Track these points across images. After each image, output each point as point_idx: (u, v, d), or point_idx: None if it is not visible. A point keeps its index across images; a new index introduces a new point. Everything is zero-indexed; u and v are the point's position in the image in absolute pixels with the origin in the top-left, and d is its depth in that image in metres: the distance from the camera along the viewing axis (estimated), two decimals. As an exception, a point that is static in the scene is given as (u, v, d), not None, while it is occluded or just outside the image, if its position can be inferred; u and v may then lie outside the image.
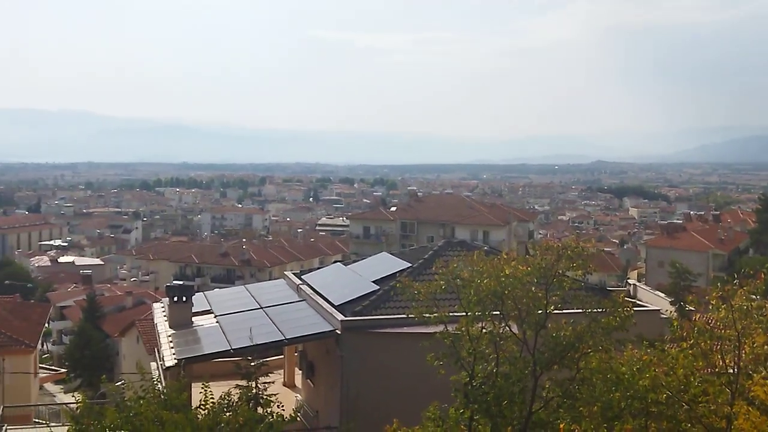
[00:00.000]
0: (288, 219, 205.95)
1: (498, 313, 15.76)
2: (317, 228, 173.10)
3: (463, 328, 15.69)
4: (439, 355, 15.98)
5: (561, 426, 14.23)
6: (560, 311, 15.82)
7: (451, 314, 16.21)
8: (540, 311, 15.45)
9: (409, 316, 17.12)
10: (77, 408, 15.19)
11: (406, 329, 21.38)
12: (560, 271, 16.02)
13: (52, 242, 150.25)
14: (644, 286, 32.33)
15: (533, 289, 15.57)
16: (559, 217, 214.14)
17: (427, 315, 16.23)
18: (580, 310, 15.91)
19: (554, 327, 15.30)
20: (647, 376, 14.03)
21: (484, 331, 15.69)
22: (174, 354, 23.30)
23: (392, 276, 26.46)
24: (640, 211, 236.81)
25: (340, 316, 23.57)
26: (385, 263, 29.55)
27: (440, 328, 16.14)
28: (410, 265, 27.58)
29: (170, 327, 26.76)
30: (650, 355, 14.77)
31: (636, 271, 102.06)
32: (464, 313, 15.87)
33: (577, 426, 13.95)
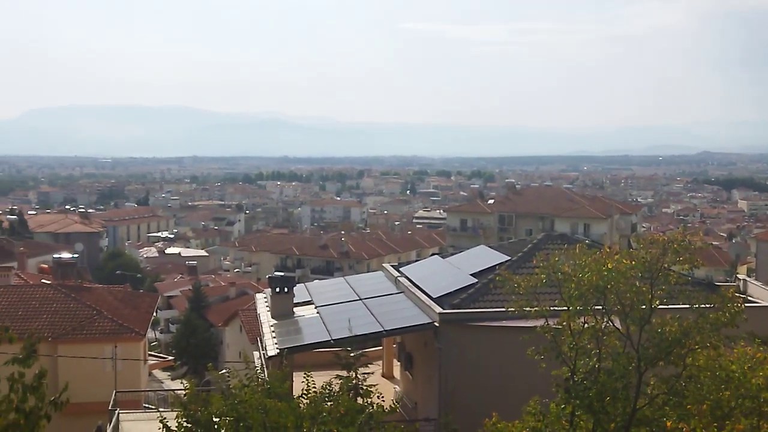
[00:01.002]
0: (385, 212, 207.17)
1: (600, 307, 15.45)
2: (414, 221, 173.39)
3: (564, 323, 15.45)
4: (539, 349, 15.79)
5: (668, 424, 13.83)
6: (666, 306, 15.39)
7: (551, 308, 15.99)
8: (644, 306, 15.05)
9: (509, 309, 16.96)
10: (185, 395, 15.70)
11: (505, 323, 21.21)
12: (666, 265, 15.56)
13: (159, 234, 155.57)
14: (755, 282, 31.02)
15: (637, 283, 15.18)
16: (664, 210, 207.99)
17: (528, 309, 16.05)
18: (687, 306, 15.43)
19: (659, 322, 14.89)
20: (760, 375, 13.48)
21: (585, 325, 15.41)
22: (276, 343, 23.81)
23: (490, 269, 26.28)
24: (750, 203, 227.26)
25: (439, 309, 23.57)
26: (483, 256, 29.37)
27: (541, 322, 15.95)
28: (509, 258, 27.33)
29: (272, 317, 27.35)
30: (763, 353, 14.17)
31: (745, 266, 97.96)
32: (565, 308, 15.62)
33: (684, 424, 13.53)
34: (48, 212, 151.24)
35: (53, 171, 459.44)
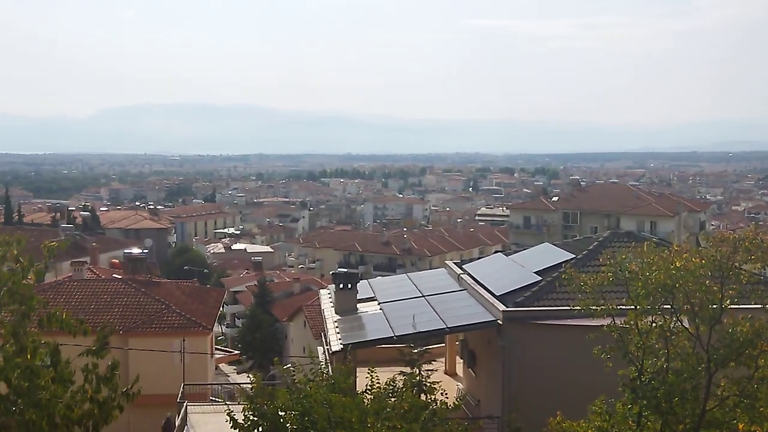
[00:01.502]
0: (448, 209, 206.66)
1: (669, 307, 15.17)
2: (477, 218, 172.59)
3: (631, 322, 15.21)
4: (606, 348, 15.58)
5: (739, 426, 13.51)
6: (737, 306, 15.02)
7: (618, 307, 15.76)
8: (714, 306, 14.73)
9: (574, 307, 16.77)
10: (252, 388, 15.95)
11: (570, 321, 20.97)
12: (736, 264, 15.18)
13: (225, 230, 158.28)
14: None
15: (707, 282, 14.85)
16: (734, 208, 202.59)
17: (594, 307, 15.85)
18: (759, 306, 15.04)
19: (730, 322, 14.54)
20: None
21: (653, 325, 15.14)
22: (340, 339, 23.99)
23: (555, 267, 25.98)
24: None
25: (502, 307, 23.41)
26: (548, 254, 29.03)
27: (607, 321, 15.73)
28: (574, 256, 26.96)
29: (336, 313, 27.57)
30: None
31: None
32: (633, 307, 15.38)
33: (757, 427, 13.19)
34: (119, 209, 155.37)
35: (124, 168, 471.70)
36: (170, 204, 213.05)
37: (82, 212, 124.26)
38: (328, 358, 24.60)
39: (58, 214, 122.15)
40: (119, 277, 47.31)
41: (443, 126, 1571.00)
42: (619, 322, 15.52)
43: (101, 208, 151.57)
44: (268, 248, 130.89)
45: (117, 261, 65.45)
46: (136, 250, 54.72)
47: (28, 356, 10.77)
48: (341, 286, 28.10)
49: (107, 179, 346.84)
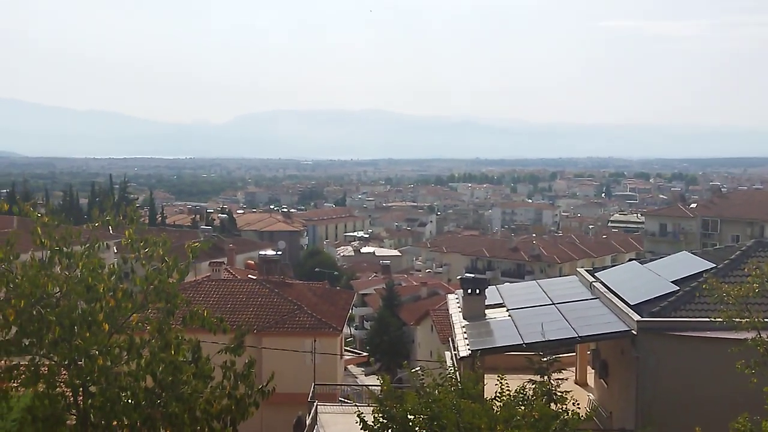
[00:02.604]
0: (579, 215, 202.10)
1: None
2: (609, 224, 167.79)
3: (778, 336, 14.40)
4: (750, 363, 14.81)
5: None
6: None
7: (764, 320, 14.95)
8: None
9: (715, 319, 16.02)
10: (381, 391, 16.11)
11: (710, 333, 20.06)
12: None
13: (355, 234, 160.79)
14: None
15: None
16: None
17: (738, 319, 15.09)
18: None
19: None
20: None
21: (803, 340, 14.28)
22: (468, 345, 23.89)
23: (693, 276, 24.94)
24: None
25: (637, 317, 22.69)
26: (686, 263, 27.88)
27: (752, 334, 14.95)
28: (714, 265, 25.77)
29: (464, 318, 27.47)
30: None
31: None
32: (780, 320, 14.56)
33: None
34: (254, 211, 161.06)
35: (259, 173, 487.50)
36: (303, 207, 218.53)
37: (219, 214, 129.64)
38: (455, 363, 24.54)
39: (198, 216, 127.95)
40: (254, 277, 48.93)
41: (575, 130, 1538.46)
42: (765, 336, 14.73)
43: (238, 211, 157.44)
44: (395, 252, 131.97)
45: (252, 262, 67.80)
46: (270, 252, 56.37)
47: (172, 352, 11.30)
48: (469, 291, 27.97)
49: (243, 183, 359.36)
